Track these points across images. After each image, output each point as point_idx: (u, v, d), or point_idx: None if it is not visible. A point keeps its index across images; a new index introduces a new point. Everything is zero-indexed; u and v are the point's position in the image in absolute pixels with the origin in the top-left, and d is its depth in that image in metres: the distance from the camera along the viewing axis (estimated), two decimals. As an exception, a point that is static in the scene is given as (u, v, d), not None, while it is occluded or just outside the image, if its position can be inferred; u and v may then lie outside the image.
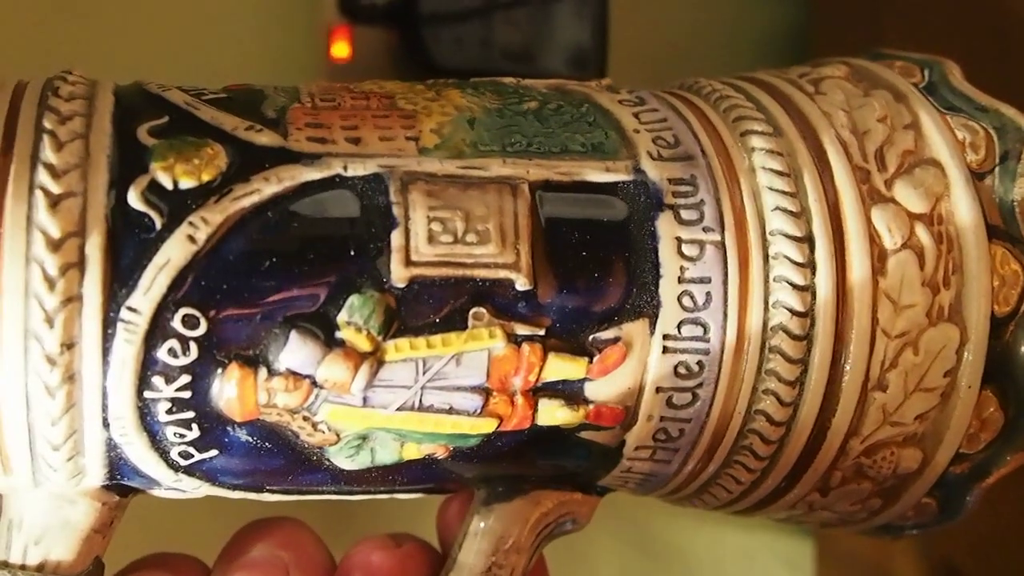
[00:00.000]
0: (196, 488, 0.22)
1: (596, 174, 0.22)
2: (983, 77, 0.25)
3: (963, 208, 0.23)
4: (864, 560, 0.37)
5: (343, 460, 0.21)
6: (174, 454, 0.20)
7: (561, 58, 0.35)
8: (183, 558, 0.24)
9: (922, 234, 0.23)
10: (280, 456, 0.21)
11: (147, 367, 0.19)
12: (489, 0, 0.35)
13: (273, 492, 0.23)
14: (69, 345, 0.19)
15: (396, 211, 0.20)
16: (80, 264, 0.19)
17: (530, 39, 0.35)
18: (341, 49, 0.36)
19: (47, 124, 0.20)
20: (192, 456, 0.21)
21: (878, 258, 0.22)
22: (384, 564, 0.23)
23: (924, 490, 0.24)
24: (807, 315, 0.22)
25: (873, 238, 0.22)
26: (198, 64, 0.35)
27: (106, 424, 0.20)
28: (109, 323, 0.19)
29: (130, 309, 0.19)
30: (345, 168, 0.20)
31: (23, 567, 0.21)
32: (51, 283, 0.19)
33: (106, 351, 0.19)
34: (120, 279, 0.19)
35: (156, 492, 0.22)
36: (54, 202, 0.19)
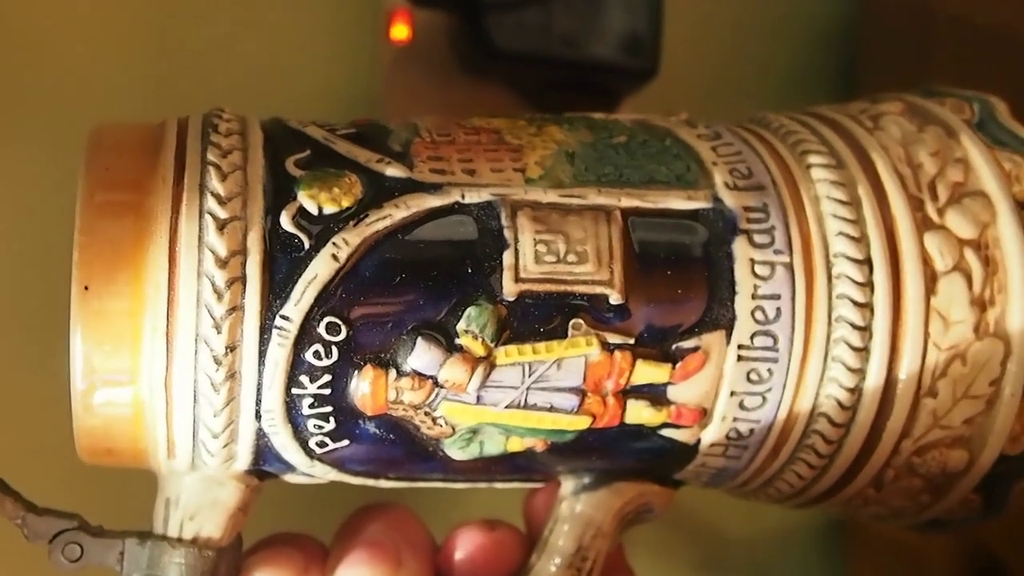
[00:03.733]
0: (325, 474, 0.25)
1: (679, 202, 0.24)
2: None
3: (1008, 234, 0.25)
4: (896, 544, 0.38)
5: (455, 451, 0.24)
6: (312, 443, 0.23)
7: (616, 45, 0.36)
8: (305, 537, 0.26)
9: (970, 258, 0.25)
10: (401, 447, 0.24)
11: (296, 367, 0.22)
12: (548, -13, 0.35)
13: (389, 479, 0.25)
14: (232, 348, 0.22)
15: (507, 234, 0.23)
16: (242, 279, 0.22)
17: (587, 26, 0.35)
18: (401, 31, 0.36)
19: (211, 157, 0.23)
20: (327, 445, 0.23)
21: (930, 279, 0.24)
22: (483, 543, 0.26)
23: (970, 487, 0.26)
24: (866, 329, 0.24)
25: (926, 260, 0.24)
26: (259, 45, 0.36)
27: (258, 416, 0.23)
28: (265, 329, 0.22)
29: (283, 317, 0.22)
30: (463, 196, 0.23)
31: (179, 540, 0.24)
32: (219, 295, 0.22)
33: (262, 353, 0.22)
34: (275, 292, 0.22)
35: (289, 477, 0.25)
36: (221, 226, 0.22)
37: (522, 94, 0.36)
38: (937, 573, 0.37)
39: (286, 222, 0.22)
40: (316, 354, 0.22)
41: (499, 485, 0.27)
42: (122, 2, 0.34)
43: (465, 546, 0.26)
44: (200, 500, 0.24)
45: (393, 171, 0.23)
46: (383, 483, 0.26)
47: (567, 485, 0.26)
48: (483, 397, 0.23)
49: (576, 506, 0.26)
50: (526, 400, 0.23)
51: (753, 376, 0.24)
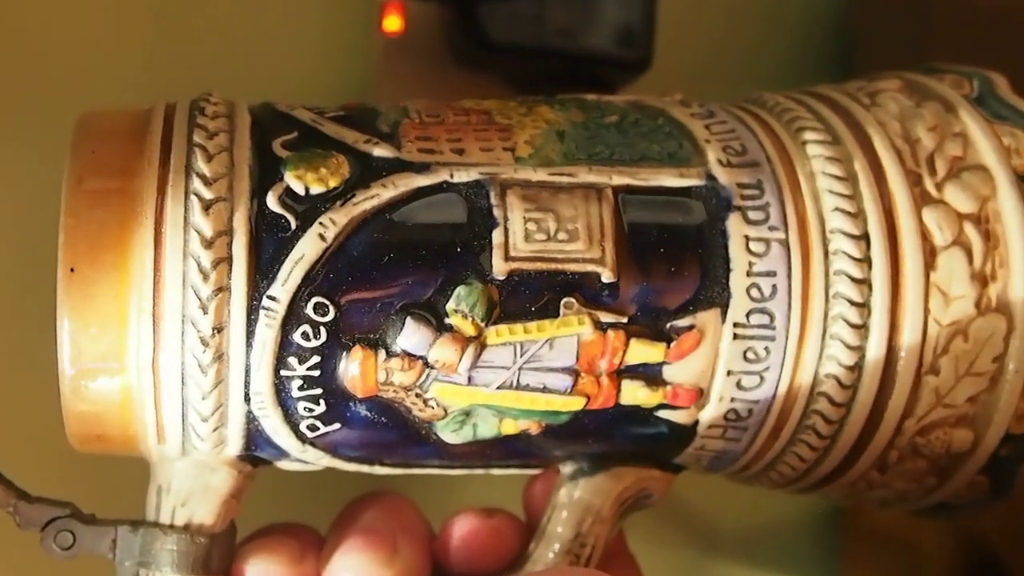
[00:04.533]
0: (318, 459, 0.24)
1: (672, 179, 0.24)
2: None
3: (1009, 208, 0.25)
4: (892, 535, 0.37)
5: (449, 434, 0.24)
6: (303, 427, 0.23)
7: (610, 36, 0.36)
8: (301, 526, 0.26)
9: (970, 232, 0.24)
10: (394, 430, 0.24)
11: (284, 348, 0.22)
12: (541, -22, 0.35)
13: (384, 465, 0.25)
14: (219, 329, 0.22)
15: (496, 213, 0.23)
16: (229, 259, 0.22)
17: (580, 17, 0.35)
18: (393, 23, 0.36)
19: (197, 139, 0.23)
20: (318, 429, 0.23)
21: (929, 254, 0.24)
22: (480, 531, 0.26)
23: (976, 468, 0.26)
24: (864, 305, 0.24)
25: (925, 235, 0.24)
26: (252, 37, 0.36)
27: (247, 399, 0.22)
28: (253, 310, 0.22)
29: (270, 298, 0.22)
30: (451, 175, 0.23)
31: (171, 526, 0.24)
32: (205, 275, 0.22)
33: (250, 334, 0.22)
34: (262, 272, 0.22)
35: (282, 464, 0.25)
36: (207, 206, 0.22)
37: (516, 86, 0.36)
38: (934, 566, 0.37)
39: (272, 202, 0.22)
40: (304, 335, 0.22)
41: (496, 471, 0.26)
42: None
43: (462, 534, 0.26)
44: (192, 486, 0.24)
45: (381, 151, 0.23)
46: (378, 469, 0.25)
47: (565, 471, 0.26)
48: (474, 378, 0.23)
49: (574, 492, 0.26)
50: (518, 381, 0.23)
51: (750, 355, 0.24)
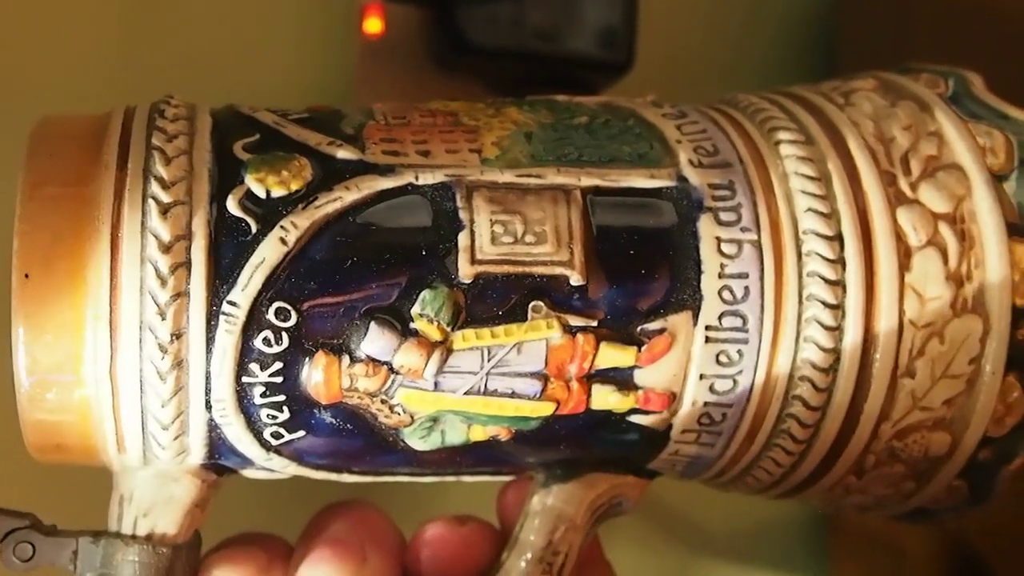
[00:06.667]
0: (284, 467, 0.24)
1: (642, 180, 0.24)
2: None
3: (984, 208, 0.24)
4: (877, 536, 0.38)
5: (416, 441, 0.23)
6: (267, 434, 0.23)
7: (591, 38, 0.36)
8: (269, 537, 0.26)
9: (945, 232, 0.24)
10: (360, 437, 0.23)
11: (245, 355, 0.22)
12: (522, -21, 0.35)
13: (352, 473, 0.25)
14: (178, 335, 0.21)
15: (462, 215, 0.22)
16: (187, 264, 0.21)
17: (560, 19, 0.35)
18: (374, 25, 0.36)
19: (156, 142, 0.22)
20: (282, 436, 0.23)
21: (904, 254, 0.24)
22: (450, 540, 0.25)
23: (954, 472, 0.25)
24: (838, 307, 0.23)
25: (899, 236, 0.24)
26: (230, 39, 0.36)
27: (208, 406, 0.22)
28: (212, 316, 0.21)
29: (230, 303, 0.21)
30: (416, 177, 0.23)
31: (134, 537, 0.23)
32: (163, 281, 0.21)
33: (209, 340, 0.21)
34: (221, 277, 0.21)
35: (248, 472, 0.24)
36: (164, 210, 0.21)
37: (496, 89, 0.36)
38: (919, 567, 0.37)
39: (232, 206, 0.22)
40: (266, 340, 0.22)
41: (467, 478, 0.26)
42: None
43: (433, 543, 0.25)
44: (154, 496, 0.23)
45: (344, 153, 0.23)
46: (347, 477, 0.25)
47: (538, 478, 0.25)
48: (441, 383, 0.22)
49: (547, 499, 0.25)
50: (486, 386, 0.23)
51: (723, 358, 0.23)
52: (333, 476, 0.25)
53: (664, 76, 0.38)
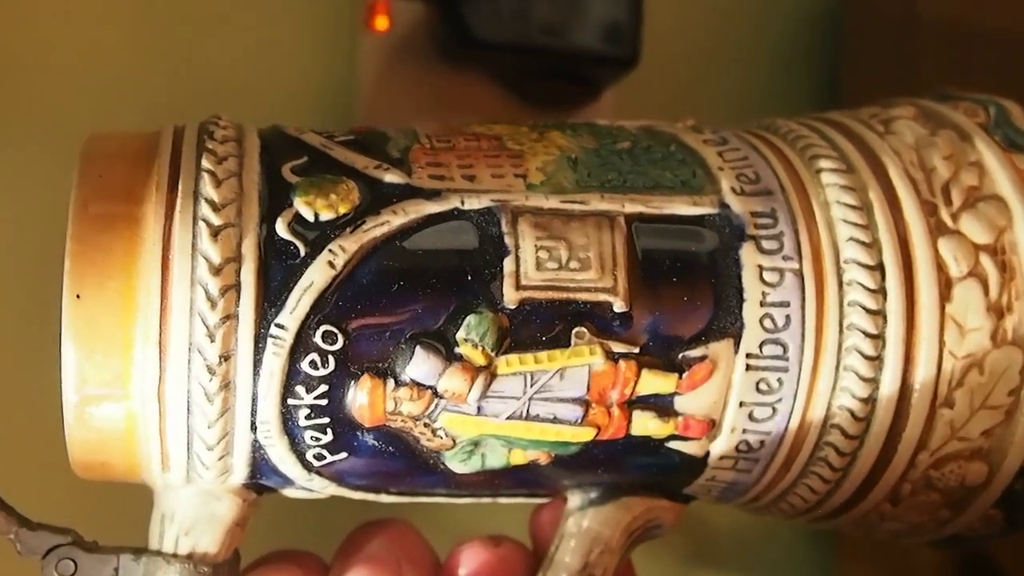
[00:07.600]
0: (324, 488, 0.24)
1: (685, 208, 0.24)
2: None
3: (1025, 239, 0.24)
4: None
5: (457, 464, 0.23)
6: (309, 456, 0.23)
7: (596, 33, 0.35)
8: (305, 554, 0.26)
9: (986, 263, 0.24)
10: (401, 459, 0.23)
11: (291, 377, 0.22)
12: (527, -25, 0.35)
13: (390, 493, 0.25)
14: (226, 357, 0.21)
15: (508, 240, 0.23)
16: (237, 287, 0.21)
17: (566, 14, 0.35)
18: (380, 21, 0.36)
19: (206, 164, 0.22)
20: (325, 458, 0.23)
21: (945, 285, 0.24)
22: (488, 560, 0.25)
23: (990, 502, 0.25)
24: (879, 337, 0.24)
25: (940, 266, 0.24)
26: (237, 36, 0.36)
27: (253, 427, 0.22)
28: (260, 338, 0.22)
29: (278, 326, 0.22)
30: (462, 202, 0.23)
31: (175, 555, 0.23)
32: (213, 303, 0.21)
33: (257, 363, 0.22)
34: (270, 300, 0.22)
35: (288, 491, 0.25)
36: (215, 232, 0.22)
37: (502, 83, 0.36)
38: (926, 566, 0.36)
39: (282, 229, 0.22)
40: (312, 363, 0.22)
41: (503, 500, 0.26)
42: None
43: (468, 563, 0.25)
44: (196, 515, 0.23)
45: (391, 177, 0.23)
46: (384, 498, 0.25)
47: (574, 500, 0.26)
48: (484, 408, 0.23)
49: (583, 522, 0.25)
50: (528, 411, 0.23)
51: (763, 386, 0.23)
52: (371, 496, 0.25)
53: (670, 72, 0.38)
